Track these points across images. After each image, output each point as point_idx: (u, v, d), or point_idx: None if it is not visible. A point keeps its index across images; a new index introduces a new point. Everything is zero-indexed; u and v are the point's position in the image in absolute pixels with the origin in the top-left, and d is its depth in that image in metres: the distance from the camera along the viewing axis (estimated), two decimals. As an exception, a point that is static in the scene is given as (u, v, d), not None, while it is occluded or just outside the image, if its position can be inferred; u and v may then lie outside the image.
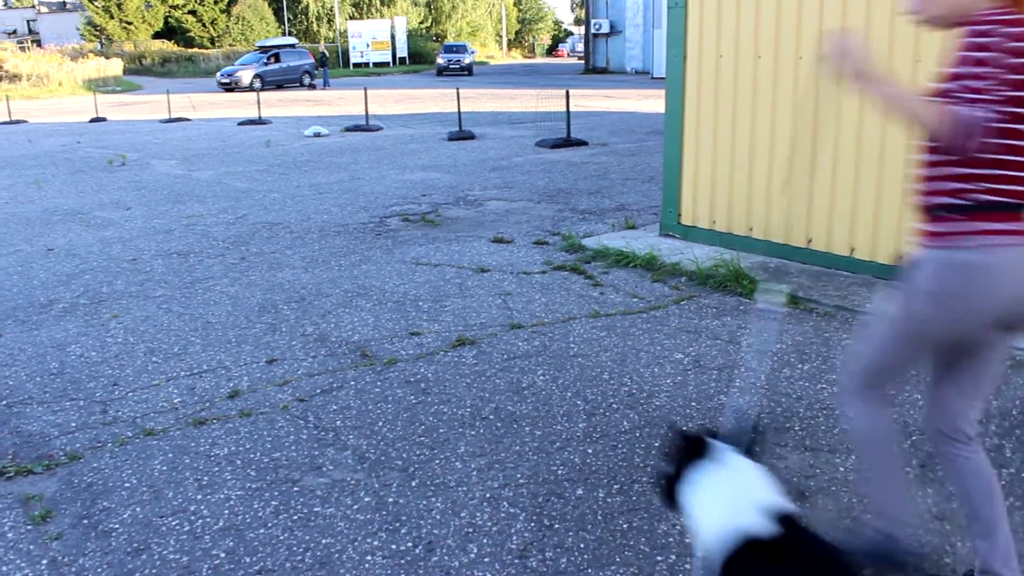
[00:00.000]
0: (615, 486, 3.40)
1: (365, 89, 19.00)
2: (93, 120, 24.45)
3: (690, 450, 1.86)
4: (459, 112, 16.51)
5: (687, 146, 7.05)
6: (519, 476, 3.51)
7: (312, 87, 40.56)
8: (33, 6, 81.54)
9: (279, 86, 41.42)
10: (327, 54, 44.25)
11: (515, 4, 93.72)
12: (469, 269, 6.52)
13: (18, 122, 24.75)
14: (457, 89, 17.23)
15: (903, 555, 2.47)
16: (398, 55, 61.39)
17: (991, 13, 2.07)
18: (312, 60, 42.56)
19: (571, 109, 14.92)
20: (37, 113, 28.22)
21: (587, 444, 3.76)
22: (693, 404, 4.12)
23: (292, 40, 48.72)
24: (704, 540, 1.75)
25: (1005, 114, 2.03)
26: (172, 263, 7.25)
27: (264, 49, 44.57)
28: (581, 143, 14.47)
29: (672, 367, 4.59)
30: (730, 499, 1.74)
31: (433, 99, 28.57)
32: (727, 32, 6.61)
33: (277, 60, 41.90)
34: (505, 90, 32.41)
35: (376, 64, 59.74)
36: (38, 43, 69.59)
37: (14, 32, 76.74)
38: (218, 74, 42.40)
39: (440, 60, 50.46)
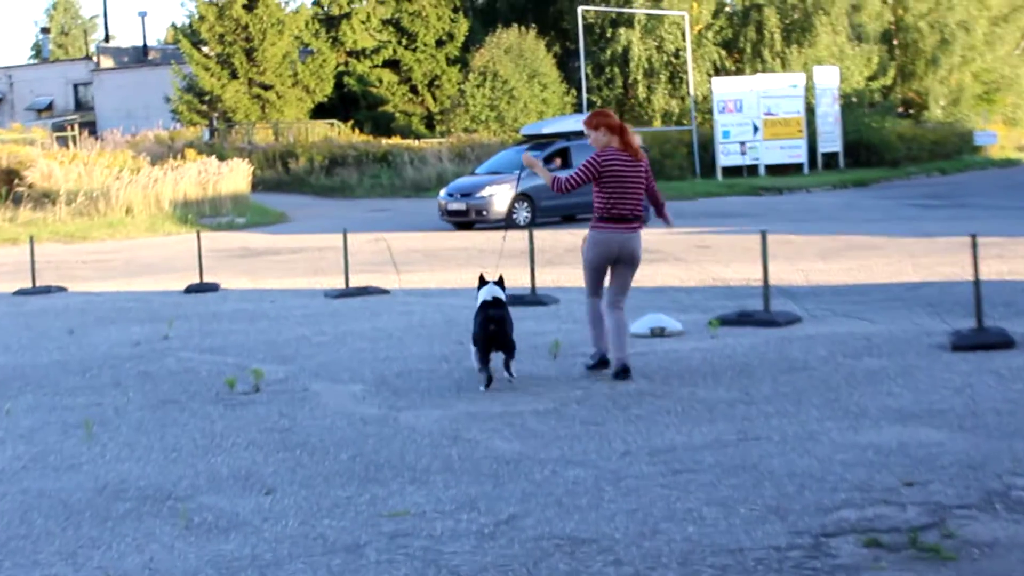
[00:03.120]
0: None
1: (763, 234, 19.08)
2: (192, 289, 26.47)
3: (481, 282, 17.90)
4: (975, 282, 16.33)
5: None
6: None
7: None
8: (89, 56, 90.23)
9: (568, 217, 43.25)
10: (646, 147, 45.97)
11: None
12: None
13: (50, 290, 27.04)
14: (972, 237, 16.84)
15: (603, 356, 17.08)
16: (820, 148, 62.26)
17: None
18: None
19: None
20: (86, 271, 30.87)
21: None
22: None
23: (596, 120, 50.70)
24: (477, 303, 17.53)
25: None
26: (366, 629, 7.43)
27: (537, 141, 46.62)
28: None
29: None
30: (484, 292, 17.58)
31: (908, 251, 28.68)
32: None
33: (564, 162, 43.80)
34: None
35: (772, 168, 60.67)
36: (91, 128, 76.33)
37: (49, 107, 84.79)
38: (442, 193, 44.99)
39: None
